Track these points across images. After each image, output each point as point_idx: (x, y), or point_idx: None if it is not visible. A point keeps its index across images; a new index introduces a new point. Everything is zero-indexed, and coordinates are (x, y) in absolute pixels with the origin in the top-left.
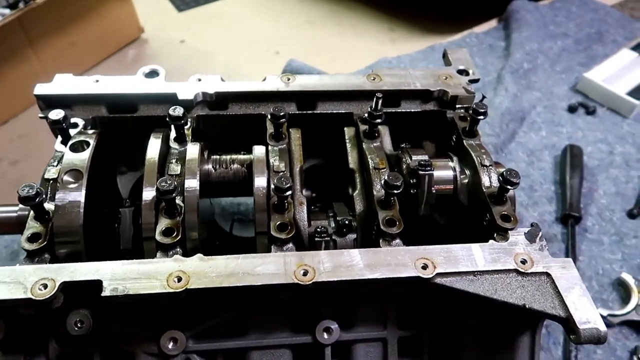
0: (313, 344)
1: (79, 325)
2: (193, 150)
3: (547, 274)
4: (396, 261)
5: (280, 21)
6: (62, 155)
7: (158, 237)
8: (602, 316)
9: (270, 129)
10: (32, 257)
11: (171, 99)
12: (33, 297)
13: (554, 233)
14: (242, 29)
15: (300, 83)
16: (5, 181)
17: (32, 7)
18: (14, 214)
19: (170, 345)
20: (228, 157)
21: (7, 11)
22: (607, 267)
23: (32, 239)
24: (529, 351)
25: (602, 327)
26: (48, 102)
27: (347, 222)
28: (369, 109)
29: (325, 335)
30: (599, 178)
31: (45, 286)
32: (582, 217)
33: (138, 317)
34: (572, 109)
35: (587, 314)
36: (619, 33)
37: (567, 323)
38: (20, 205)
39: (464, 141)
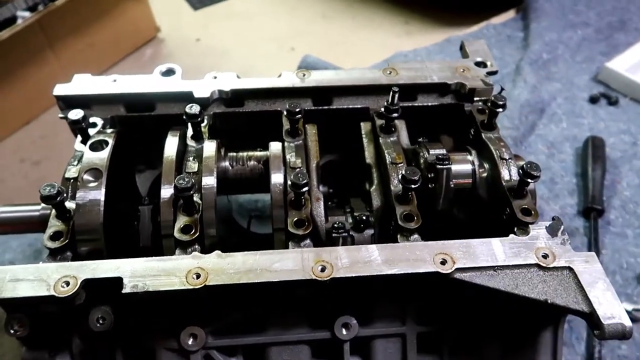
0: (332, 340)
1: (100, 321)
2: (210, 147)
3: (570, 269)
4: (414, 256)
5: (295, 17)
6: (82, 155)
7: (176, 234)
8: (626, 311)
9: (286, 125)
10: (55, 255)
11: (188, 97)
12: (56, 294)
13: (576, 226)
14: (257, 26)
15: (316, 79)
16: (28, 181)
17: (51, 9)
18: (37, 213)
19: (190, 341)
20: (245, 154)
21: (27, 14)
22: (632, 261)
23: (54, 237)
24: (551, 347)
25: (627, 322)
26: (67, 102)
27: (364, 217)
28: (386, 103)
29: (344, 331)
30: (622, 170)
31: (68, 283)
32: (605, 210)
33: (158, 314)
34: (593, 100)
35: (612, 309)
36: None
37: (591, 318)
38: (43, 205)
39: (483, 134)
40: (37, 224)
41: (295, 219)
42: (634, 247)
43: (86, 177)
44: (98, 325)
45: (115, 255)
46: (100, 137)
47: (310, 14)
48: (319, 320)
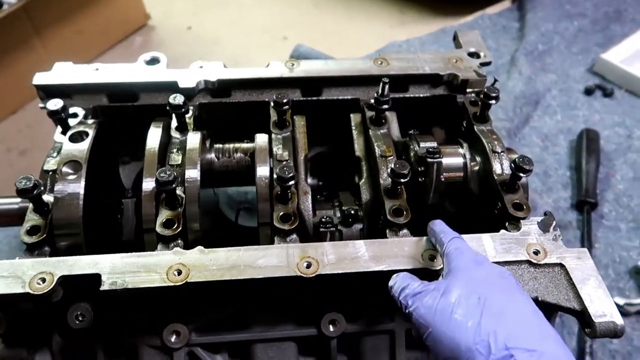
0: (318, 336)
1: (80, 318)
2: (194, 139)
3: (561, 265)
4: (403, 252)
5: (288, 6)
6: (62, 146)
7: (158, 229)
8: (618, 305)
9: (273, 116)
10: (32, 250)
11: (172, 87)
12: (31, 292)
13: (569, 220)
14: (249, 15)
15: (305, 69)
16: (14, 171)
17: None
18: (16, 206)
19: (173, 339)
20: (231, 145)
21: (12, 0)
22: (624, 255)
23: (32, 231)
24: None
25: (619, 321)
26: (48, 92)
27: (353, 211)
28: (376, 94)
29: (331, 328)
30: (616, 163)
31: (44, 280)
32: (599, 203)
33: (140, 310)
34: (588, 92)
35: (603, 307)
36: (638, 12)
37: (582, 316)
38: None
39: (475, 127)
40: (16, 217)
41: (281, 213)
42: (627, 241)
43: (65, 169)
44: (77, 322)
45: (98, 250)
46: (81, 128)
47: (304, 4)
48: (305, 317)
